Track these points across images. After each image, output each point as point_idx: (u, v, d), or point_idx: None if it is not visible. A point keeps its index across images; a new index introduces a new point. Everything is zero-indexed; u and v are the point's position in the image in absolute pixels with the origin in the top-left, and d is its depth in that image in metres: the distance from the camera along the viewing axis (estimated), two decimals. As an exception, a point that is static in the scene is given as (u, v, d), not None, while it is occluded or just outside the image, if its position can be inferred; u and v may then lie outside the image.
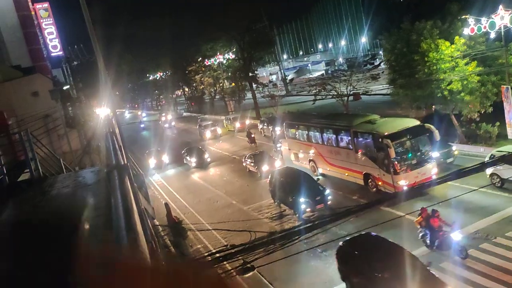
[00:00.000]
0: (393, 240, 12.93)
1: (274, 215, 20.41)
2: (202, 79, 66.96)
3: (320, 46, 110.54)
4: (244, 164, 29.32)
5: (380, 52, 55.20)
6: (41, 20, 36.81)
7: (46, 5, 37.41)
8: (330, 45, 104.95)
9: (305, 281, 14.29)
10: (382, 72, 38.78)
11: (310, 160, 25.60)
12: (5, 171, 8.98)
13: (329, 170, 23.83)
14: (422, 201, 16.87)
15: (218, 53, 62.97)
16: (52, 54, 37.68)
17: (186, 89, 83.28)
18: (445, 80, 23.95)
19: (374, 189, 20.45)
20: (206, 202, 24.95)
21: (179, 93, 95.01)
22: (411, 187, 18.48)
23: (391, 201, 16.94)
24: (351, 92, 37.52)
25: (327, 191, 19.75)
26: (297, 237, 15.00)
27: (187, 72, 71.59)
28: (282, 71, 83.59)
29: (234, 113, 54.57)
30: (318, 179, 20.98)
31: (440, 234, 13.94)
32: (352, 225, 15.36)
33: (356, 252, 12.79)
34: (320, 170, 24.64)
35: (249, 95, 55.77)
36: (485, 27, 21.06)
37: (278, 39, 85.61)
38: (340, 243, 13.24)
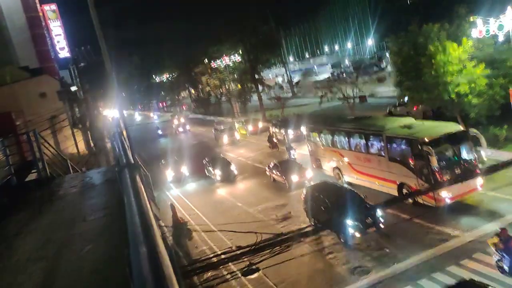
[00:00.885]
0: None
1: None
2: (208, 81, 67.14)
3: (326, 48, 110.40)
4: (268, 173, 26.45)
5: (387, 55, 55.00)
6: (49, 22, 37.06)
7: (54, 6, 37.66)
8: (337, 47, 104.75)
9: (310, 284, 14.23)
10: (389, 75, 38.67)
11: (334, 168, 23.75)
12: (13, 171, 9.03)
13: (357, 178, 21.83)
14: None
15: (224, 55, 63.13)
16: (60, 56, 37.92)
17: (193, 91, 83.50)
18: (453, 83, 23.81)
19: (411, 200, 18.57)
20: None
21: (185, 95, 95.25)
22: (453, 200, 17.04)
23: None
24: (357, 95, 37.45)
25: (379, 211, 16.50)
26: (302, 239, 15.00)
27: (193, 73, 71.84)
28: (288, 73, 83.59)
29: (245, 116, 54.59)
30: (365, 196, 17.71)
31: None
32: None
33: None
34: (346, 178, 22.70)
35: (255, 97, 55.85)
36: (493, 31, 20.94)
37: (284, 41, 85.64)
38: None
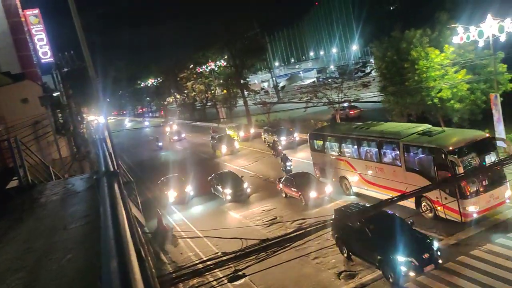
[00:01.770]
0: None
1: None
2: (194, 86, 66.99)
3: (311, 53, 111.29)
4: (279, 187, 23.71)
5: (371, 60, 55.65)
6: (31, 27, 36.59)
7: (36, 11, 37.21)
8: (322, 52, 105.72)
9: (296, 289, 14.21)
10: (373, 80, 39.08)
11: (341, 177, 21.99)
12: (-7, 179, 8.85)
13: (367, 189, 20.22)
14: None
15: (210, 60, 63.12)
16: (42, 61, 37.43)
17: (178, 96, 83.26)
18: (435, 88, 24.19)
19: (431, 214, 17.11)
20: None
21: (171, 100, 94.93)
22: (480, 215, 15.80)
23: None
24: (342, 100, 37.73)
25: (435, 243, 13.83)
26: (288, 244, 14.98)
27: (178, 79, 71.63)
28: (273, 78, 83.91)
29: (231, 121, 54.51)
30: (412, 222, 14.79)
31: None
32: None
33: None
34: (354, 189, 21.16)
35: (240, 102, 55.88)
36: (473, 36, 21.32)
37: (269, 47, 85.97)
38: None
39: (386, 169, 18.81)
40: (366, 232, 14.22)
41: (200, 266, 14.70)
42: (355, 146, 20.90)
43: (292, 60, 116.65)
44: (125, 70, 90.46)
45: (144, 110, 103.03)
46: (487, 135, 17.35)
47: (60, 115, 26.74)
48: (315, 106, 39.64)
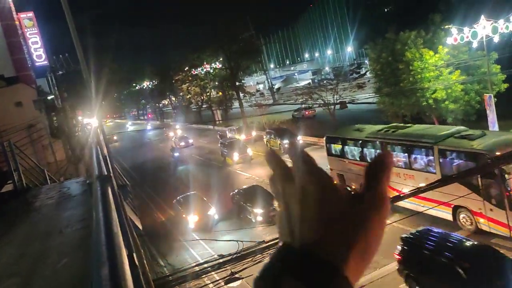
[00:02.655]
0: None
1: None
2: (189, 88, 66.94)
3: (306, 55, 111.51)
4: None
5: (366, 61, 55.85)
6: (25, 30, 36.44)
7: (30, 14, 37.08)
8: (317, 54, 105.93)
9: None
10: (368, 81, 39.23)
11: (361, 184, 21.17)
12: (-13, 183, 8.81)
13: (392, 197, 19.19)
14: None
15: (205, 62, 63.11)
16: (37, 64, 37.28)
17: (173, 99, 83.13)
18: (430, 89, 24.30)
19: (471, 227, 15.76)
20: None
21: (166, 103, 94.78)
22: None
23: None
24: (338, 101, 37.82)
25: None
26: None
27: (173, 81, 71.57)
28: (269, 80, 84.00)
29: (226, 123, 54.40)
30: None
31: None
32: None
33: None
34: None
35: (236, 104, 55.88)
36: (467, 37, 21.44)
37: (265, 49, 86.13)
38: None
39: (417, 177, 17.11)
40: (458, 272, 10.91)
41: (197, 268, 14.69)
42: (380, 151, 19.39)
43: (287, 62, 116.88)
44: (120, 73, 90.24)
45: (149, 115, 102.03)
46: None
47: (55, 118, 26.65)
48: (311, 107, 39.77)
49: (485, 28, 20.67)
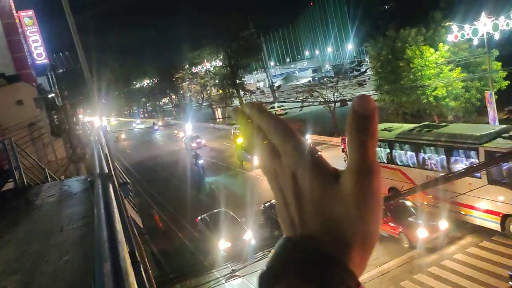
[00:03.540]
0: None
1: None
2: (190, 86, 66.95)
3: (307, 53, 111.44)
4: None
5: (366, 59, 55.82)
6: (26, 28, 36.44)
7: (30, 12, 37.08)
8: (317, 52, 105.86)
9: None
10: (368, 79, 39.18)
11: (390, 189, 18.42)
12: (-12, 181, 8.83)
13: (427, 202, 17.01)
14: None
15: (205, 61, 63.13)
16: (37, 62, 37.29)
17: (174, 97, 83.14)
18: (430, 86, 24.29)
19: None
20: None
21: (166, 101, 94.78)
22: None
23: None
24: (338, 99, 37.80)
25: None
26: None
27: (174, 79, 71.60)
28: (269, 78, 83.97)
29: (225, 121, 54.45)
30: None
31: None
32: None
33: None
34: (409, 203, 17.09)
35: (236, 102, 55.92)
36: (468, 34, 21.42)
37: (265, 46, 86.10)
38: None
39: (458, 181, 15.14)
40: None
41: (198, 267, 14.76)
42: (412, 152, 17.72)
43: (288, 60, 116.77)
44: (121, 71, 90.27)
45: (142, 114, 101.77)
46: None
47: (55, 116, 26.67)
48: (311, 105, 39.75)
49: (486, 25, 20.64)
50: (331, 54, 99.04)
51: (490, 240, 14.76)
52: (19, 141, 13.35)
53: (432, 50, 24.15)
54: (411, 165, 17.82)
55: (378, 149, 18.30)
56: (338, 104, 38.51)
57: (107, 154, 6.15)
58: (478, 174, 14.91)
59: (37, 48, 37.01)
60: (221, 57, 59.37)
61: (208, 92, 66.33)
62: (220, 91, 60.70)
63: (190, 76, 66.99)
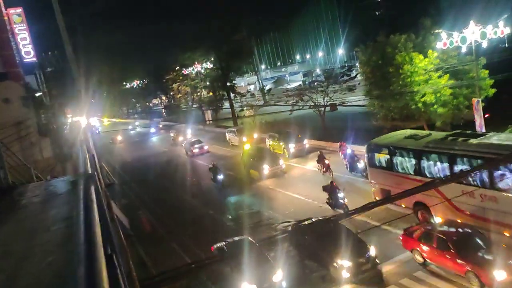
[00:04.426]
0: None
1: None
2: (180, 87, 66.79)
3: (298, 57, 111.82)
4: (404, 241, 14.82)
5: (357, 64, 56.22)
6: (14, 26, 36.01)
7: (19, 10, 36.65)
8: (308, 56, 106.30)
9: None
10: (359, 84, 39.46)
11: (416, 203, 16.72)
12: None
13: (461, 220, 15.12)
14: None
15: (196, 63, 63.05)
16: (25, 60, 36.84)
17: (164, 98, 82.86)
18: (419, 93, 24.50)
19: None
20: None
21: (156, 102, 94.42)
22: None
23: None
24: (328, 103, 38.00)
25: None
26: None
27: (164, 80, 71.39)
28: (260, 81, 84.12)
29: (216, 123, 54.28)
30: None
31: None
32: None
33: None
34: (438, 220, 15.91)
35: (226, 104, 55.94)
36: (456, 42, 21.67)
37: (256, 50, 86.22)
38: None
39: (502, 199, 13.69)
40: None
41: (184, 269, 14.64)
42: (446, 164, 15.86)
43: (279, 63, 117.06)
44: (110, 71, 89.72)
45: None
46: None
47: (43, 115, 26.38)
48: (301, 109, 39.91)
49: (474, 33, 20.91)
50: (322, 59, 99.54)
51: None
52: (6, 140, 13.17)
53: (421, 56, 24.39)
54: (444, 178, 15.52)
55: (402, 159, 17.65)
56: (328, 108, 38.71)
57: (94, 154, 6.10)
58: None
59: (25, 46, 36.59)
60: (212, 59, 59.37)
61: (199, 94, 66.22)
62: (211, 93, 60.64)
63: (181, 78, 66.84)
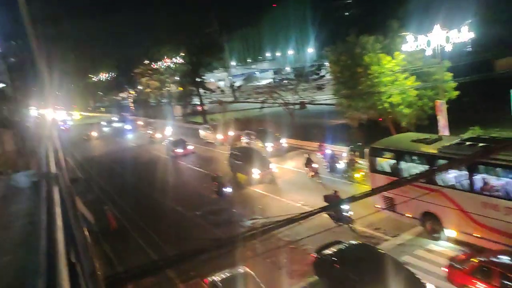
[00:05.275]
0: None
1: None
2: (149, 82, 65.82)
3: (268, 54, 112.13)
4: (451, 274, 12.49)
5: (326, 63, 56.97)
6: (-25, 13, 34.59)
7: (-20, -3, 35.22)
8: (278, 54, 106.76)
9: None
10: (328, 83, 39.98)
11: (425, 213, 15.64)
12: None
13: (480, 235, 13.83)
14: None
15: (165, 57, 62.29)
16: (-14, 50, 35.46)
17: (132, 92, 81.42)
18: (386, 93, 25.04)
19: None
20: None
21: (124, 96, 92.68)
22: None
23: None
24: (298, 101, 38.34)
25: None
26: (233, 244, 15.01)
27: (133, 74, 70.17)
28: (230, 77, 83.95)
29: (185, 119, 53.72)
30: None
31: None
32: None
33: None
34: (451, 233, 14.98)
35: (196, 100, 55.57)
36: (422, 45, 22.25)
37: (227, 46, 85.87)
38: None
39: None
40: None
41: (152, 266, 14.43)
42: (463, 172, 14.50)
43: (249, 60, 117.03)
44: (77, 62, 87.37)
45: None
46: None
47: (4, 107, 25.46)
48: (271, 106, 40.12)
49: (439, 37, 21.53)
50: (293, 57, 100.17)
51: None
52: (-37, 133, 12.64)
53: (389, 58, 24.92)
54: (460, 188, 14.51)
55: (413, 164, 16.31)
56: (298, 106, 39.07)
57: (58, 149, 5.95)
58: None
59: (-14, 35, 35.18)
60: (182, 54, 58.78)
61: (168, 88, 65.44)
62: (180, 88, 60.07)
63: (150, 72, 65.85)
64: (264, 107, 40.61)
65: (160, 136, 44.83)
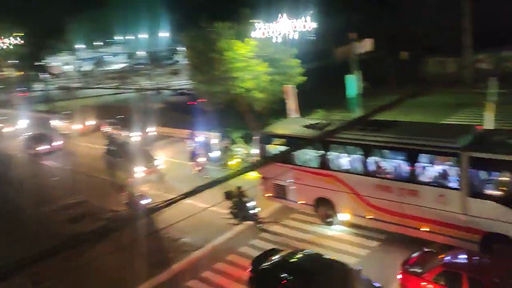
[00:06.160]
0: None
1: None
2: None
3: (120, 37, 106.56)
4: (405, 281, 10.99)
5: (180, 48, 56.53)
6: None
7: None
8: (131, 37, 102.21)
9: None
10: (183, 68, 39.81)
11: (319, 199, 15.71)
12: None
13: (378, 219, 14.26)
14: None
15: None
16: None
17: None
18: (240, 79, 25.86)
19: None
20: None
21: None
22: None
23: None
24: (155, 87, 37.45)
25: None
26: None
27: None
28: (77, 61, 77.77)
29: (29, 107, 47.65)
30: None
31: None
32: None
33: None
34: (344, 216, 15.19)
35: (39, 86, 50.34)
36: (271, 32, 23.53)
37: (73, 27, 79.08)
38: None
39: (425, 193, 12.96)
40: None
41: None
42: (360, 156, 14.48)
43: (98, 43, 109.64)
44: None
45: None
46: None
47: None
48: (125, 93, 38.48)
49: (286, 26, 23.02)
50: (146, 40, 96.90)
51: None
52: None
53: (240, 43, 25.68)
54: (355, 172, 14.72)
55: (302, 151, 15.99)
56: (154, 92, 38.14)
57: None
58: (456, 185, 12.37)
59: None
60: (18, 34, 52.43)
61: (4, 73, 57.83)
62: (19, 73, 53.69)
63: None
64: (117, 94, 38.71)
65: (11, 130, 38.18)
